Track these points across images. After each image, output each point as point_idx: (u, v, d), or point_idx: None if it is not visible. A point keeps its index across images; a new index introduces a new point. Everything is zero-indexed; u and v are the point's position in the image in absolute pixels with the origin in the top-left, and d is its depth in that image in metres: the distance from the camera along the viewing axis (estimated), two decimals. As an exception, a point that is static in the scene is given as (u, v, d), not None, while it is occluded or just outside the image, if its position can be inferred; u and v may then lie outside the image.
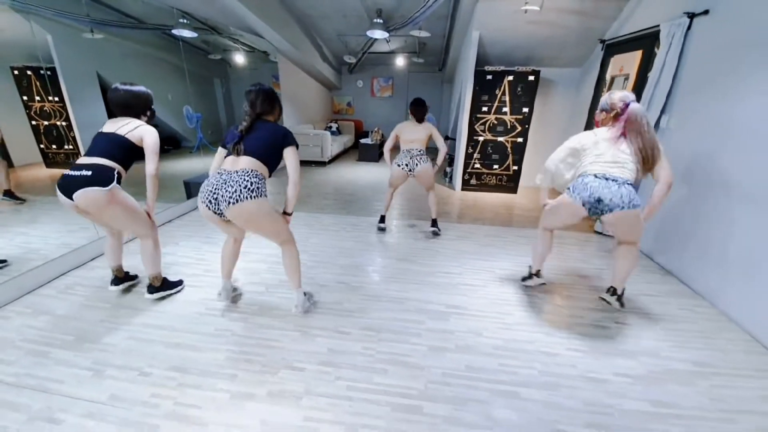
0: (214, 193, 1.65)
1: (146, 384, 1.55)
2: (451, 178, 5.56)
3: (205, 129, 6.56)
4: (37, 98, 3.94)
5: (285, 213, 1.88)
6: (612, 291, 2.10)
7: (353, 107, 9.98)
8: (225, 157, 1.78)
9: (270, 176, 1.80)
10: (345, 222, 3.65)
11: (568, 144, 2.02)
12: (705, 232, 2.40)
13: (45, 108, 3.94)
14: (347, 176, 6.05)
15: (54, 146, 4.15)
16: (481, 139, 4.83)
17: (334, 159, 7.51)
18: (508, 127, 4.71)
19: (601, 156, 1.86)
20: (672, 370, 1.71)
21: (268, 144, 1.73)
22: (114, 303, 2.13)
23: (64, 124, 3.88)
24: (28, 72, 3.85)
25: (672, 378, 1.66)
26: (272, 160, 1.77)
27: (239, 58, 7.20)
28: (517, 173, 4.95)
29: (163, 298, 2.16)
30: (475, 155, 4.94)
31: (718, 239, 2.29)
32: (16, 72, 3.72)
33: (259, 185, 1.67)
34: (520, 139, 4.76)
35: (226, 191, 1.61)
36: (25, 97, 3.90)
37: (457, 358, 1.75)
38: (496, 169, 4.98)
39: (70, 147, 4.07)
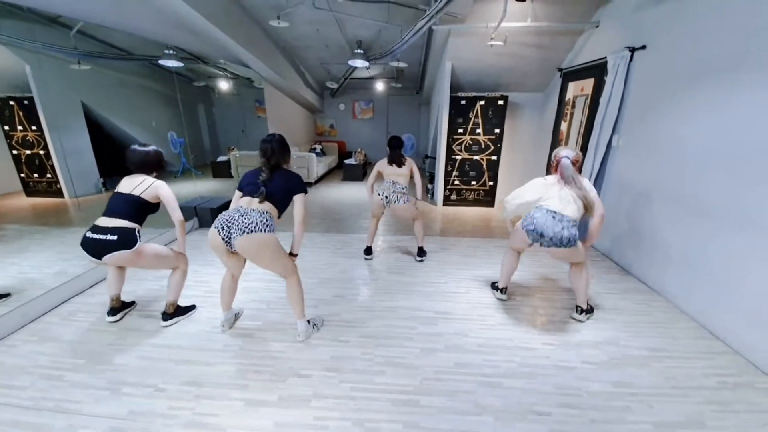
0: (229, 222, 1.78)
1: (163, 398, 1.66)
2: (433, 194, 5.87)
3: (189, 154, 6.66)
4: (19, 128, 4.00)
5: (291, 254, 2.01)
6: (579, 310, 2.31)
7: (336, 129, 10.31)
8: (241, 197, 1.93)
9: (279, 218, 1.95)
10: (336, 240, 3.84)
11: (523, 192, 2.25)
12: (654, 235, 2.75)
13: (27, 137, 4.01)
14: (333, 196, 6.26)
15: (36, 175, 4.18)
16: (458, 157, 5.20)
17: (320, 179, 7.72)
18: (483, 146, 5.11)
19: (551, 198, 2.10)
20: (630, 355, 1.97)
21: (284, 190, 1.91)
22: (119, 326, 2.21)
23: (42, 152, 3.95)
24: (11, 102, 3.93)
25: (630, 362, 1.92)
26: (284, 204, 1.94)
27: (223, 85, 7.42)
28: (493, 188, 5.33)
29: (175, 323, 2.24)
30: (454, 173, 5.29)
31: (664, 241, 2.63)
32: (-2, 102, 3.80)
33: (271, 224, 1.84)
34: (494, 157, 5.16)
35: (242, 222, 1.76)
36: (6, 127, 3.96)
37: (447, 356, 1.96)
38: (473, 185, 5.33)
39: (50, 176, 4.11)
